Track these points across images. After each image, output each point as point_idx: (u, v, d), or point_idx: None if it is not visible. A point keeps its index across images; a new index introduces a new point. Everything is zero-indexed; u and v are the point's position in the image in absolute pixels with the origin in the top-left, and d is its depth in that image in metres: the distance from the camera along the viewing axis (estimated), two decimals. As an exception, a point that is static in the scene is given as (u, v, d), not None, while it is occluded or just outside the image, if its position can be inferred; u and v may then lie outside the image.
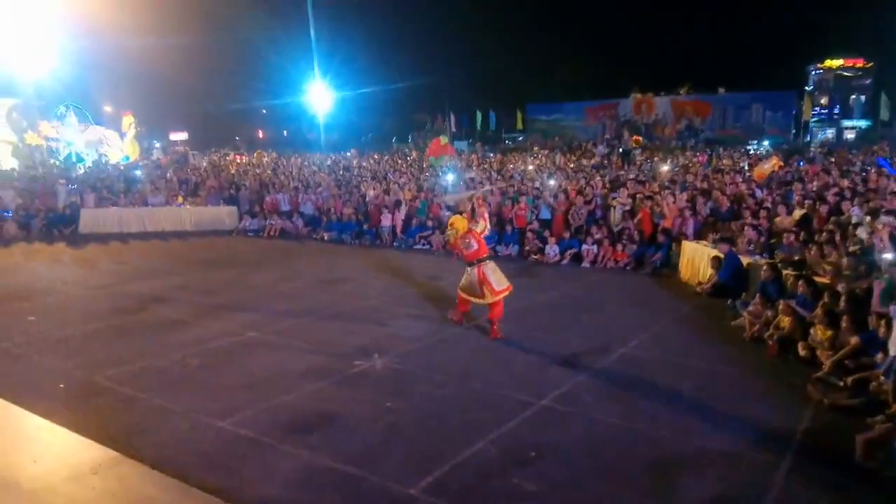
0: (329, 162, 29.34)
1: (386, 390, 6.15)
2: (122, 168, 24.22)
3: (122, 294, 10.20)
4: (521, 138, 51.62)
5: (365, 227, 16.49)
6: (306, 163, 28.98)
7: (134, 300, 9.76)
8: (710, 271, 10.30)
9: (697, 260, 11.17)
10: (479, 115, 51.16)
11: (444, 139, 29.29)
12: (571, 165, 26.54)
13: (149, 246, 15.32)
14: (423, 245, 15.27)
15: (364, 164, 29.01)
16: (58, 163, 24.40)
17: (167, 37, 38.33)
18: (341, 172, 24.31)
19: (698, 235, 12.19)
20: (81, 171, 22.58)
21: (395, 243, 15.71)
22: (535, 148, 40.04)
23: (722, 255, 10.01)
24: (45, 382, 6.26)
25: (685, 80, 47.24)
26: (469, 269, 8.20)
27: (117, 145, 28.92)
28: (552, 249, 13.52)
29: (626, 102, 47.17)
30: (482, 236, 8.28)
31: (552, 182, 18.12)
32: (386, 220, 16.17)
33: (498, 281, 8.13)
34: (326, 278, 11.71)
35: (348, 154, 36.71)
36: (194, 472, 4.44)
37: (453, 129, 50.99)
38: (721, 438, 5.17)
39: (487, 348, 7.60)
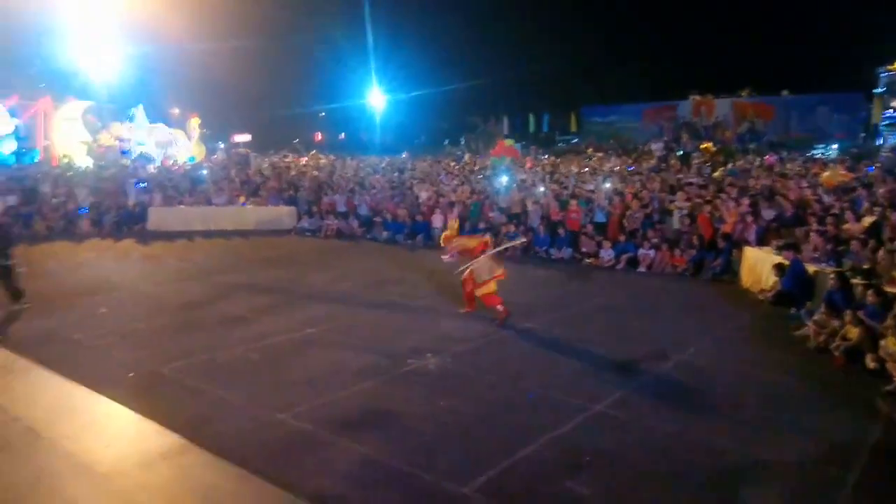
0: (383, 164, 29.72)
1: (439, 389, 6.21)
2: (187, 168, 25.14)
3: (187, 290, 10.60)
4: (575, 140, 51.05)
5: (418, 228, 16.63)
6: (361, 164, 29.46)
7: (198, 296, 10.14)
8: (773, 279, 9.97)
9: (760, 267, 10.84)
10: (531, 118, 50.81)
11: (509, 141, 29.11)
12: (627, 168, 26.11)
13: (212, 244, 15.87)
14: None
15: (417, 165, 29.27)
16: (128, 162, 25.49)
17: (231, 42, 39.71)
18: (395, 174, 24.56)
19: (761, 241, 11.83)
20: (151, 171, 23.56)
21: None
22: (590, 150, 39.52)
23: (786, 263, 9.68)
24: (116, 372, 6.55)
25: (747, 81, 45.74)
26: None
27: (184, 146, 30.02)
28: (607, 253, 13.34)
29: (685, 104, 45.96)
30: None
31: (607, 185, 17.89)
32: (438, 222, 16.26)
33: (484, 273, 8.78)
34: (380, 278, 11.89)
35: (402, 156, 37.09)
36: (255, 462, 4.59)
37: (506, 132, 50.81)
38: (784, 451, 5.02)
39: (539, 351, 7.57)
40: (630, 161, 29.90)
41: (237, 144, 44.87)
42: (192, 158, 29.19)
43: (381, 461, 4.74)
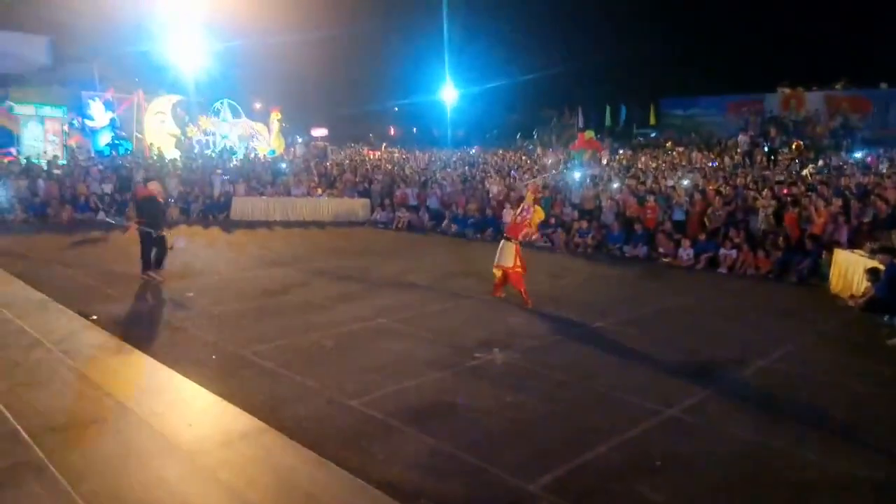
0: (455, 158, 29.85)
1: (506, 384, 6.20)
2: (268, 160, 26.13)
3: (267, 277, 11.04)
4: (653, 134, 49.38)
5: (487, 222, 16.64)
6: (433, 158, 29.70)
7: (278, 283, 10.52)
8: (865, 284, 9.39)
9: (851, 270, 10.22)
10: (608, 110, 49.51)
11: (590, 133, 28.33)
12: (710, 163, 25.13)
13: (291, 233, 16.47)
14: (545, 242, 15.16)
15: (489, 159, 29.20)
16: (213, 154, 26.77)
17: (310, 35, 40.77)
18: (466, 168, 24.65)
19: (853, 244, 11.15)
20: (234, 163, 24.66)
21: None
22: (669, 143, 38.19)
23: (881, 267, 9.08)
24: (201, 354, 6.89)
25: (842, 72, 42.90)
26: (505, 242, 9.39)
27: (265, 139, 31.21)
28: (686, 252, 12.91)
29: (772, 97, 43.67)
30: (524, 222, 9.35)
31: (687, 181, 17.29)
32: (508, 217, 16.19)
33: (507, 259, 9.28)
34: (449, 271, 11.97)
35: (473, 150, 37.07)
36: (328, 447, 4.73)
37: (580, 125, 49.77)
38: (872, 465, 4.72)
39: (611, 350, 7.43)
40: (712, 156, 28.76)
41: (315, 138, 46.15)
42: (273, 151, 30.33)
43: (447, 452, 4.79)
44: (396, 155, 33.24)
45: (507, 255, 9.27)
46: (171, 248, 10.70)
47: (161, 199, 10.98)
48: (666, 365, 6.93)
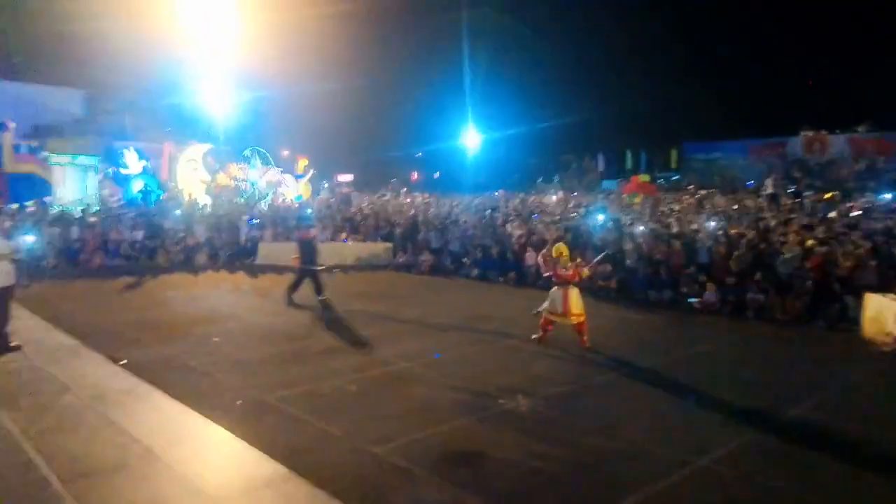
0: (476, 202, 30.10)
1: (530, 433, 6.12)
2: (295, 207, 26.58)
3: (292, 321, 11.12)
4: (675, 177, 49.23)
5: (509, 266, 16.64)
6: (455, 202, 29.99)
7: (302, 328, 10.61)
8: (898, 328, 9.18)
9: (884, 314, 10.00)
10: (629, 154, 49.65)
11: (644, 177, 27.48)
12: (734, 206, 24.96)
13: None
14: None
15: (511, 203, 29.36)
16: (242, 200, 27.31)
17: (336, 84, 41.99)
18: (488, 212, 24.79)
19: (883, 287, 10.92)
20: (262, 209, 25.13)
21: (539, 282, 15.62)
22: (691, 187, 38.11)
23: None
24: (225, 398, 6.91)
25: (865, 115, 42.70)
26: (557, 289, 9.42)
27: (293, 186, 31.77)
28: (711, 296, 12.75)
29: (795, 141, 43.55)
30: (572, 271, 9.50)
31: (712, 223, 17.19)
32: (531, 259, 16.19)
33: (578, 305, 9.34)
34: (472, 314, 11.93)
35: (496, 194, 37.38)
36: (352, 495, 4.70)
37: (600, 169, 49.84)
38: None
39: (637, 398, 7.31)
40: (735, 200, 28.59)
41: (340, 184, 46.92)
42: (300, 197, 30.83)
43: (471, 502, 4.72)
44: (419, 200, 33.61)
45: (577, 301, 9.37)
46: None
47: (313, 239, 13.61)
48: (696, 413, 6.80)
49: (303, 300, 12.41)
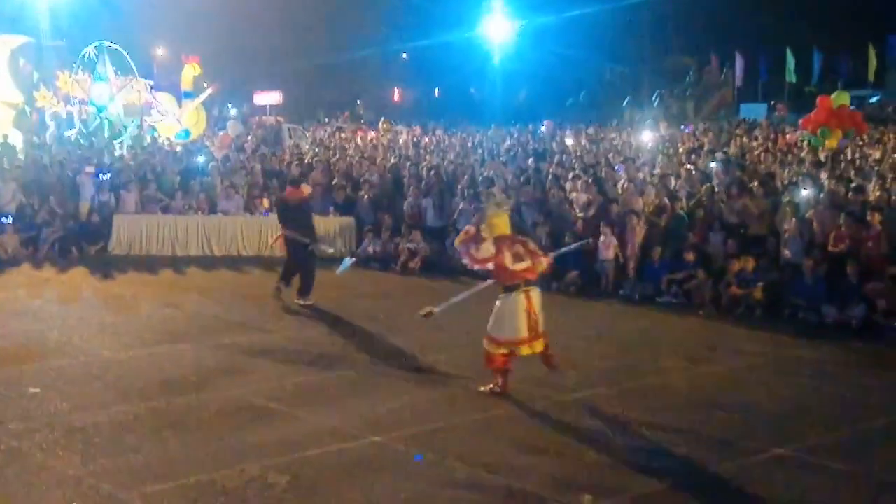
0: (507, 143, 20.99)
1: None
2: (178, 151, 17.97)
3: (173, 358, 7.69)
4: (873, 99, 31.13)
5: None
6: (470, 143, 21.43)
7: (191, 370, 7.27)
8: None
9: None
10: (789, 56, 31.33)
11: (842, 97, 15.90)
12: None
13: (216, 279, 11.95)
14: (673, 298, 10.04)
15: (569, 144, 20.65)
16: (82, 140, 18.43)
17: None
18: (530, 161, 16.74)
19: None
20: (118, 154, 17.16)
21: (620, 290, 10.69)
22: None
23: None
24: (52, 499, 4.54)
25: None
26: (507, 296, 6.19)
27: (172, 112, 22.06)
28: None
29: None
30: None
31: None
32: (607, 250, 10.84)
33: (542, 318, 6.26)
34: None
35: (541, 128, 25.83)
36: None
37: (739, 83, 32.97)
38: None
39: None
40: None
41: (260, 109, 33.65)
42: (187, 133, 21.41)
43: None
44: (404, 137, 23.76)
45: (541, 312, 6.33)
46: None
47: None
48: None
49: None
